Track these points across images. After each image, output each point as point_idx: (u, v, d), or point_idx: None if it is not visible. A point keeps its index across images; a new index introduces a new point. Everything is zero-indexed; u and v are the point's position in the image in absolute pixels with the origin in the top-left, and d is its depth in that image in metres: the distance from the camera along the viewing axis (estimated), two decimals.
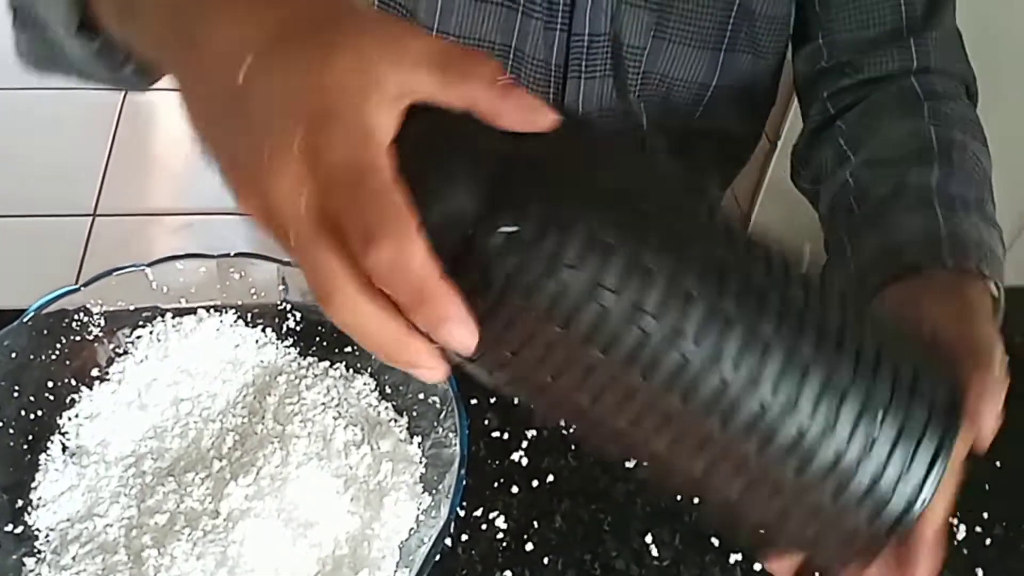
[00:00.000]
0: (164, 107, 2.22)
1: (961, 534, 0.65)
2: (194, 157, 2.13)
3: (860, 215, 0.65)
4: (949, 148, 0.67)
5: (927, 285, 0.55)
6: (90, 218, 1.99)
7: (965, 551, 0.65)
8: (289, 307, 0.66)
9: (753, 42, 0.77)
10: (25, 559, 0.56)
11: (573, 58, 0.73)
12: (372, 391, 0.65)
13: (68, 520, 0.58)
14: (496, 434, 0.69)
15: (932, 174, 0.64)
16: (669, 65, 0.76)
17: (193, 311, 0.64)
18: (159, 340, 0.63)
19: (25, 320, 0.57)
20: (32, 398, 0.59)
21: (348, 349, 0.65)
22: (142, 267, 0.61)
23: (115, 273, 0.61)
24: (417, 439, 0.61)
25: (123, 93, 2.25)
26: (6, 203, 1.97)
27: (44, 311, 0.58)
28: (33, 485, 0.58)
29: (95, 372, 0.62)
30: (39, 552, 0.56)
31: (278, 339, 0.66)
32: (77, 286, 0.59)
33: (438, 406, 0.60)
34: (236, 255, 0.63)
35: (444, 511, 0.55)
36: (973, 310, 0.53)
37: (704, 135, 0.83)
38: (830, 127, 0.76)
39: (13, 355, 0.57)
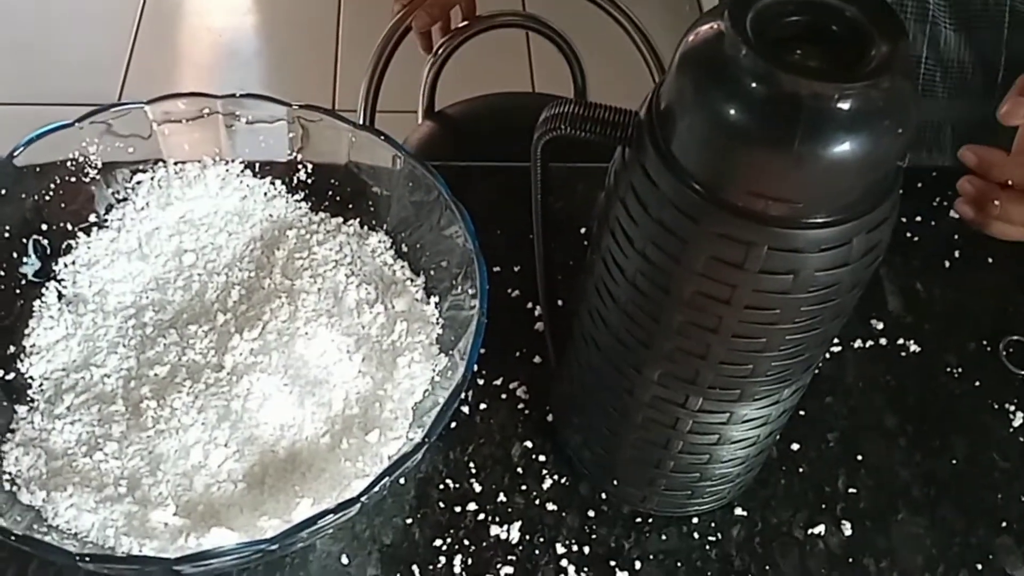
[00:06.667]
0: None
1: (1018, 421, 0.61)
2: (218, 47, 2.07)
3: None
4: None
5: None
6: None
7: (1021, 439, 0.60)
8: (300, 158, 0.61)
9: None
10: (16, 407, 0.52)
11: None
12: (387, 249, 0.60)
13: (63, 369, 0.54)
14: (520, 303, 0.64)
15: None
16: None
17: (197, 159, 0.60)
18: (160, 187, 0.59)
19: (14, 154, 0.53)
20: (24, 240, 0.55)
21: (363, 205, 0.61)
22: (141, 105, 0.57)
23: (112, 110, 0.56)
24: (435, 299, 0.57)
25: None
26: (29, 93, 1.93)
27: (36, 145, 0.54)
28: (26, 332, 0.55)
29: (93, 218, 0.58)
30: (32, 400, 0.53)
31: (288, 192, 0.62)
32: (70, 122, 0.55)
33: (457, 267, 0.56)
34: (242, 95, 0.58)
35: (460, 372, 0.51)
36: None
37: None
38: None
39: (2, 192, 0.53)
